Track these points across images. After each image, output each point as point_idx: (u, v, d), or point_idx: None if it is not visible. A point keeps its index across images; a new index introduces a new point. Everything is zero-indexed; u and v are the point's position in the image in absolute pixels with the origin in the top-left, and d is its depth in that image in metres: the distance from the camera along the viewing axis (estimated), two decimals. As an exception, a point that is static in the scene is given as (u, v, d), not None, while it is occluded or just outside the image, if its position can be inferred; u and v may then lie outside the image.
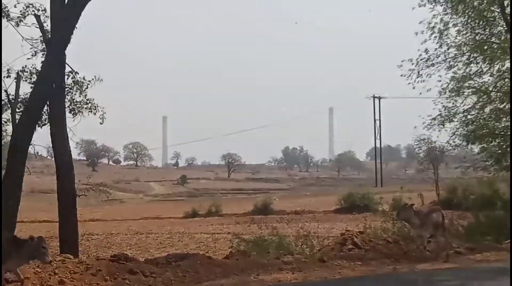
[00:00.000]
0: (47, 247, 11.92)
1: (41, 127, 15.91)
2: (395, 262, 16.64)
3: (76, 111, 17.14)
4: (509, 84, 22.01)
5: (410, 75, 22.89)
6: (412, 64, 22.75)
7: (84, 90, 17.23)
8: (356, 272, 15.31)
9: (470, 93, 23.29)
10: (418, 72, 22.71)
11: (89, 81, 17.30)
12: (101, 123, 17.67)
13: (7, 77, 16.15)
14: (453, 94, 23.35)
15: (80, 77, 17.02)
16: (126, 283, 13.79)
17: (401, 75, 23.01)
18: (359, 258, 16.97)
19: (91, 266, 14.10)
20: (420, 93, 23.18)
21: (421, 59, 22.63)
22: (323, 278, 14.46)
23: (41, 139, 17.63)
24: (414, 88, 22.97)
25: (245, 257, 16.40)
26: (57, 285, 12.72)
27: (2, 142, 26.63)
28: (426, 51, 22.58)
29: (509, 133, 22.81)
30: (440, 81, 23.16)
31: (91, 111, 17.39)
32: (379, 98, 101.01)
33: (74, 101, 17.16)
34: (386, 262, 16.66)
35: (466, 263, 16.74)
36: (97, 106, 17.49)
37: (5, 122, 17.13)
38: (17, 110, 16.44)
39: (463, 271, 15.03)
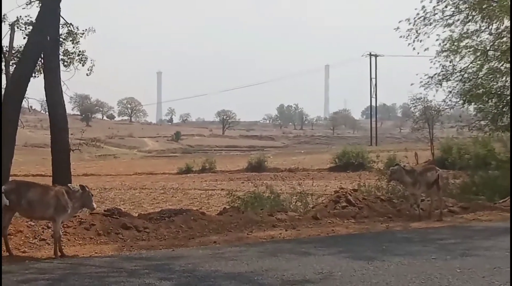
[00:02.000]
0: (93, 194, 12.46)
1: (34, 78, 15.83)
2: (388, 220, 16.75)
3: (68, 62, 17.06)
4: (507, 43, 21.90)
5: (408, 35, 22.68)
6: (410, 23, 22.54)
7: (77, 42, 17.13)
8: (350, 230, 15.40)
9: (467, 52, 23.18)
10: (416, 31, 22.51)
11: (83, 31, 17.22)
12: (87, 75, 17.68)
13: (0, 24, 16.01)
14: (450, 53, 23.23)
15: (73, 28, 16.94)
16: (119, 238, 13.87)
17: (400, 37, 22.81)
18: (353, 216, 17.05)
19: (84, 221, 14.15)
20: (418, 53, 23.02)
21: (418, 18, 22.41)
22: (316, 235, 14.54)
23: (35, 92, 17.57)
24: (414, 49, 22.78)
25: (239, 214, 16.46)
26: (50, 238, 12.77)
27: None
28: (423, 8, 22.35)
29: (506, 92, 22.81)
30: (438, 39, 22.98)
31: (81, 63, 17.31)
32: (376, 56, 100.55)
33: (68, 52, 17.08)
34: (379, 220, 16.77)
35: (459, 221, 16.85)
36: (87, 58, 17.42)
37: (-2, 73, 17.07)
38: (11, 62, 16.34)
39: (456, 229, 15.12)
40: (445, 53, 23.18)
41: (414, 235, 14.22)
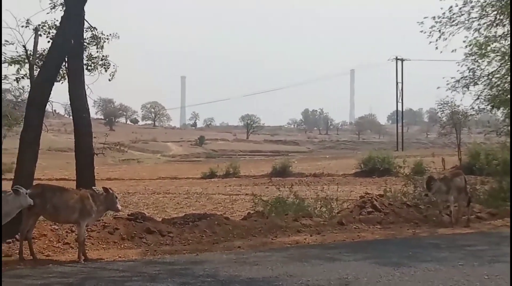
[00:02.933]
0: (118, 197, 12.55)
1: (59, 82, 15.92)
2: (415, 226, 16.68)
3: (92, 67, 17.14)
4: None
5: (431, 33, 22.43)
6: (435, 21, 22.30)
7: (101, 46, 17.20)
8: (375, 235, 15.35)
9: (495, 56, 22.97)
10: (440, 30, 22.28)
11: (107, 36, 17.29)
12: (109, 80, 17.69)
13: (25, 27, 16.11)
14: (477, 57, 23.02)
15: (97, 32, 17.01)
16: (143, 242, 13.93)
17: (421, 31, 22.57)
18: (379, 221, 17.00)
19: (108, 225, 14.24)
20: (441, 52, 22.71)
21: (443, 17, 22.19)
22: (341, 241, 14.51)
23: (59, 97, 17.69)
24: (436, 48, 22.52)
25: (263, 219, 16.47)
26: (73, 242, 12.86)
27: (21, 97, 26.79)
28: (450, 8, 22.12)
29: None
30: (465, 41, 22.77)
31: (104, 68, 17.39)
32: (402, 60, 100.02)
33: (91, 56, 17.16)
34: (405, 226, 16.70)
35: (487, 227, 16.74)
36: (110, 63, 17.48)
37: (22, 77, 17.15)
38: (35, 65, 16.45)
39: (484, 236, 15.02)
40: (472, 57, 22.98)
41: (441, 241, 14.12)
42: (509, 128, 25.15)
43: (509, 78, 22.70)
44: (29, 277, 10.09)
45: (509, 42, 22.60)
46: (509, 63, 22.16)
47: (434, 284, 9.06)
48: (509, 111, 23.61)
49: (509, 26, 21.51)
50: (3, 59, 16.70)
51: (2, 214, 10.96)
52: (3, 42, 16.15)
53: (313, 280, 9.49)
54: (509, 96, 22.76)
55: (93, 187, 12.69)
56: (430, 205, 18.39)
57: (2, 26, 15.36)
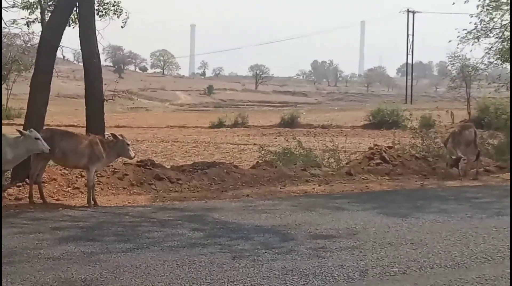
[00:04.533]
0: (130, 144, 12.52)
1: (70, 26, 15.82)
2: (423, 178, 16.73)
3: (104, 13, 17.03)
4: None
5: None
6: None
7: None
8: (384, 186, 15.42)
9: (508, 9, 22.73)
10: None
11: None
12: (122, 27, 17.58)
13: None
14: (490, 9, 22.78)
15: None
16: (152, 189, 14.01)
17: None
18: (387, 173, 17.04)
19: (117, 170, 14.32)
20: (454, 3, 22.53)
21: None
22: (350, 191, 14.57)
23: (69, 42, 17.58)
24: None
25: (272, 168, 16.51)
26: (83, 187, 12.94)
27: (31, 43, 26.69)
28: None
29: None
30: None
31: (116, 14, 17.26)
32: (413, 12, 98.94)
33: (103, 2, 17.03)
34: (414, 178, 16.75)
35: (495, 181, 16.78)
36: (122, 9, 17.35)
37: (33, 21, 17.07)
38: (47, 10, 16.33)
39: (492, 189, 15.05)
40: (485, 9, 22.73)
41: (449, 193, 14.18)
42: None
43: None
44: (40, 220, 10.19)
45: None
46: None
47: (442, 235, 9.09)
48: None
49: (510, 23, 21.27)
50: (13, 2, 16.65)
51: (12, 157, 11.00)
52: None
53: (321, 229, 9.55)
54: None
55: (105, 133, 12.71)
56: (438, 157, 18.41)
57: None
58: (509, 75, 27.31)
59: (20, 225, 9.67)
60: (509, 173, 17.65)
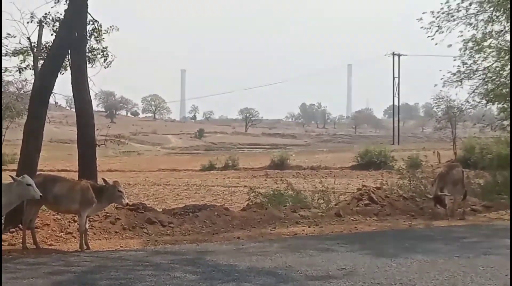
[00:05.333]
0: (122, 190, 12.28)
1: (61, 74, 15.86)
2: (411, 218, 16.74)
3: (93, 59, 17.12)
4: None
5: (430, 28, 22.43)
6: (433, 16, 22.30)
7: (102, 39, 17.17)
8: (372, 227, 15.41)
9: (491, 52, 22.99)
10: (439, 26, 22.29)
11: (106, 29, 17.25)
12: (105, 67, 17.65)
13: (30, 21, 16.10)
14: (473, 52, 23.04)
15: (97, 25, 16.97)
16: (144, 232, 13.97)
17: (421, 27, 22.58)
18: (375, 213, 17.06)
19: (109, 215, 14.27)
20: (436, 44, 22.69)
21: (442, 13, 22.19)
22: (339, 232, 14.55)
23: (61, 89, 17.65)
24: (432, 39, 22.50)
25: (262, 210, 16.49)
26: (76, 232, 12.88)
27: (24, 90, 26.74)
28: (447, 3, 22.12)
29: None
30: (461, 36, 22.79)
31: (104, 58, 17.38)
32: (399, 55, 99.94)
33: (93, 48, 17.13)
34: (402, 218, 16.76)
35: (482, 220, 16.79)
36: (109, 54, 17.46)
37: (25, 68, 17.14)
38: (39, 57, 16.43)
39: (479, 228, 15.06)
40: (468, 52, 23.00)
41: (436, 233, 14.17)
42: (503, 122, 25.22)
43: (505, 73, 22.73)
44: (33, 265, 10.11)
45: (506, 39, 22.64)
46: (505, 59, 22.18)
47: (431, 275, 9.08)
48: (506, 106, 23.66)
49: (509, 24, 21.51)
50: (5, 51, 16.72)
51: (5, 203, 10.96)
52: (5, 35, 16.19)
53: (312, 271, 9.52)
54: (504, 90, 22.81)
55: (102, 178, 12.69)
56: (425, 197, 18.44)
57: (7, 19, 15.41)
58: (493, 115, 27.54)
59: (14, 271, 9.60)
60: (495, 213, 17.71)
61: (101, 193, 12.23)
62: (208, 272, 9.50)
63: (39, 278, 9.12)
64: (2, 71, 18.00)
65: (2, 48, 16.26)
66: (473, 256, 10.74)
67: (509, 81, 22.74)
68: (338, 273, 9.36)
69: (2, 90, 30.72)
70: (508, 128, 25.25)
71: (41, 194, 11.09)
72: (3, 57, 17.05)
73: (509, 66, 22.21)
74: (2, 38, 15.78)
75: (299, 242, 12.94)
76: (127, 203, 12.57)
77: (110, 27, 17.46)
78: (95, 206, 12.29)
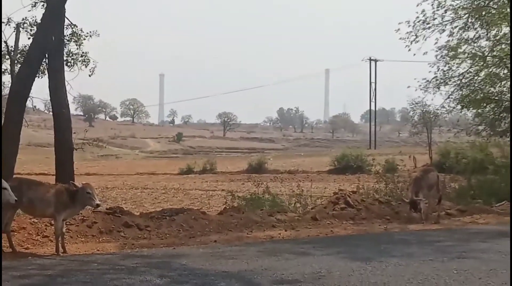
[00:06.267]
0: (92, 192, 12.00)
1: (39, 78, 15.80)
2: (386, 222, 16.75)
3: (72, 63, 17.04)
4: (505, 50, 21.87)
5: (407, 38, 22.58)
6: (409, 26, 22.44)
7: (81, 43, 17.11)
8: (348, 231, 15.41)
9: (465, 58, 23.18)
10: (416, 35, 22.44)
11: (87, 33, 17.20)
12: (89, 76, 17.61)
13: (6, 25, 16.05)
14: (448, 58, 23.22)
15: (77, 30, 16.92)
16: (121, 236, 13.89)
17: (400, 39, 22.72)
18: (351, 217, 17.05)
19: (86, 218, 14.17)
20: (414, 55, 22.84)
21: (418, 21, 22.33)
22: (315, 236, 14.54)
23: (39, 92, 17.55)
24: (409, 50, 22.67)
25: (239, 214, 16.45)
26: (52, 235, 12.76)
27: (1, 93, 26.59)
28: (423, 12, 22.28)
29: (503, 98, 22.81)
30: (436, 43, 22.97)
31: (84, 64, 17.29)
32: (375, 61, 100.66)
33: (71, 53, 17.05)
34: (377, 222, 16.77)
35: (456, 224, 16.84)
36: (89, 60, 17.38)
37: (2, 73, 17.05)
38: (16, 61, 16.37)
39: (453, 232, 15.10)
40: (443, 59, 23.17)
41: (411, 237, 14.19)
42: (478, 127, 25.44)
43: (479, 78, 22.93)
44: (8, 269, 9.99)
45: (480, 45, 22.84)
46: (479, 64, 22.38)
47: (405, 278, 9.10)
48: (480, 111, 23.87)
49: (508, 31, 21.68)
50: None
51: None
52: None
53: (287, 274, 9.50)
54: (479, 96, 23.02)
55: (71, 182, 12.56)
56: (401, 201, 18.49)
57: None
58: (468, 120, 27.75)
59: (-12, 274, 9.51)
60: (469, 217, 17.80)
61: (75, 197, 12.11)
62: (183, 276, 9.45)
63: (13, 281, 9.03)
64: None
65: None
66: (447, 260, 10.76)
67: (484, 87, 22.97)
68: (313, 276, 9.35)
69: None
70: (483, 134, 25.48)
71: (16, 198, 10.99)
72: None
73: (483, 72, 22.43)
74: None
75: (276, 245, 12.92)
76: (98, 204, 12.28)
77: (89, 32, 17.42)
78: (70, 210, 12.18)
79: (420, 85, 23.90)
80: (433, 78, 23.36)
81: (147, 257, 11.42)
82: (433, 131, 52.27)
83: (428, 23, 22.25)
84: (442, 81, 23.44)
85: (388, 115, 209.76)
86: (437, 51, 23.08)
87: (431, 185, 17.49)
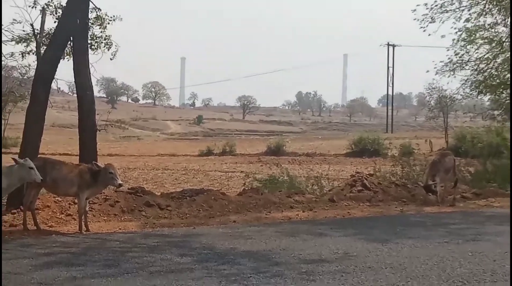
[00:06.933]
0: (114, 172, 12.16)
1: (64, 60, 15.80)
2: (402, 205, 16.71)
3: (96, 46, 17.02)
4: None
5: (423, 20, 22.32)
6: (427, 9, 22.19)
7: (105, 27, 17.09)
8: (365, 212, 15.40)
9: (483, 43, 22.96)
10: (432, 18, 22.19)
11: (111, 17, 17.18)
12: (111, 59, 17.56)
13: (32, 7, 16.07)
14: (465, 43, 22.99)
15: (101, 14, 16.91)
16: (142, 215, 13.95)
17: (414, 19, 22.49)
18: (368, 199, 17.04)
19: (109, 198, 14.24)
20: (429, 35, 22.63)
21: (435, 5, 22.08)
22: (332, 217, 14.54)
23: (64, 75, 17.60)
24: (424, 31, 22.40)
25: (258, 195, 16.46)
26: (76, 214, 12.84)
27: (27, 75, 26.74)
28: None
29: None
30: (453, 27, 22.71)
31: (107, 47, 17.27)
32: (393, 46, 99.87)
33: (95, 36, 17.04)
34: (394, 204, 16.73)
35: (471, 207, 16.77)
36: (112, 43, 17.36)
37: (28, 53, 17.13)
38: (42, 44, 16.41)
39: (468, 215, 15.03)
40: (460, 43, 22.94)
41: (427, 219, 14.16)
42: (494, 112, 25.26)
43: (495, 64, 22.72)
44: (33, 246, 10.11)
45: (497, 30, 22.60)
46: (496, 50, 22.15)
47: (420, 260, 9.07)
48: (497, 97, 23.67)
49: (510, 22, 21.46)
50: (11, 37, 16.70)
51: (6, 185, 10.95)
52: (10, 21, 16.17)
53: (305, 254, 9.51)
54: (495, 82, 22.81)
55: (93, 162, 12.61)
56: (417, 184, 18.43)
57: (11, 5, 15.37)
58: (485, 106, 27.56)
59: (14, 251, 9.60)
60: (484, 200, 17.71)
61: (98, 177, 12.18)
62: (204, 255, 9.49)
63: (38, 258, 9.12)
64: (7, 56, 18.03)
65: (7, 33, 16.28)
66: (462, 242, 10.73)
67: (501, 72, 22.75)
68: (330, 256, 9.36)
69: (6, 75, 30.80)
70: (498, 118, 25.31)
71: (41, 178, 11.09)
72: (8, 43, 17.06)
73: (500, 58, 22.20)
74: (6, 24, 15.77)
75: (293, 226, 12.93)
76: (120, 184, 12.35)
77: (113, 16, 17.41)
78: (92, 189, 12.27)
79: (435, 68, 23.66)
80: (449, 61, 23.14)
81: (167, 236, 11.47)
82: (449, 116, 52.00)
83: (445, 8, 22.00)
84: (458, 65, 23.21)
85: (405, 100, 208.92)
86: (455, 33, 22.78)
87: (448, 168, 17.44)
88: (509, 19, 22.19)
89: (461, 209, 16.22)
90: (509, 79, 22.85)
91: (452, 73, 23.35)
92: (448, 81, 26.78)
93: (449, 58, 23.10)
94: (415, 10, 22.53)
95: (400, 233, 11.80)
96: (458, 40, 22.67)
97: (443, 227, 12.70)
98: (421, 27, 22.33)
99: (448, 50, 23.28)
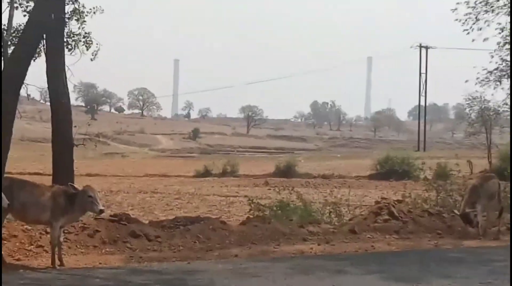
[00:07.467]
0: (94, 195, 12.07)
1: (34, 61, 15.84)
2: (437, 237, 16.67)
3: (73, 45, 17.05)
4: None
5: (466, 20, 22.34)
6: (469, 7, 22.21)
7: (83, 21, 17.10)
8: (392, 246, 15.37)
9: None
10: (476, 17, 22.21)
11: (89, 10, 17.21)
12: (91, 60, 17.60)
13: None
14: (513, 47, 22.98)
15: (78, 6, 16.94)
16: (127, 247, 13.95)
17: (456, 20, 22.50)
18: (396, 230, 16.99)
19: (87, 226, 14.23)
20: (473, 40, 22.66)
21: (479, 2, 22.10)
22: (353, 252, 14.53)
23: (35, 79, 17.61)
24: (468, 33, 22.42)
25: (264, 224, 16.43)
26: (48, 245, 12.85)
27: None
28: None
29: None
30: (498, 28, 22.71)
31: (86, 46, 17.29)
32: (427, 48, 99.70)
33: (72, 33, 17.08)
34: (426, 237, 16.69)
35: (519, 241, 16.73)
36: (92, 41, 17.38)
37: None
38: (10, 43, 16.45)
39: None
40: (507, 46, 22.93)
41: (466, 255, 14.14)
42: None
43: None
44: (-4, 283, 10.11)
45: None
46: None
47: (458, 304, 9.07)
48: None
49: (510, 22, 21.49)
50: None
51: None
52: None
53: (320, 296, 9.52)
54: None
55: (69, 184, 12.60)
56: (453, 213, 18.39)
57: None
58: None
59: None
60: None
61: (74, 201, 12.12)
62: (200, 295, 9.50)
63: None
64: None
65: None
66: (507, 282, 10.71)
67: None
68: (350, 299, 9.36)
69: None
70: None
71: (8, 202, 11.05)
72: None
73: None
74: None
75: (307, 262, 12.94)
76: (101, 210, 12.29)
77: (93, 8, 17.45)
78: (68, 216, 12.22)
79: (478, 78, 23.64)
80: (494, 69, 23.11)
81: (157, 273, 11.48)
82: (493, 131, 51.87)
83: (491, 6, 22.00)
84: (504, 73, 23.20)
85: (440, 112, 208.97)
86: (500, 36, 22.78)
87: (492, 194, 17.35)
88: None
89: (506, 244, 16.16)
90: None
91: (498, 83, 23.33)
92: (492, 92, 26.80)
93: (496, 63, 23.05)
94: (455, 9, 22.56)
95: (434, 272, 11.80)
96: (504, 43, 22.67)
97: (485, 265, 12.67)
98: (465, 30, 22.35)
99: (492, 56, 23.23)
